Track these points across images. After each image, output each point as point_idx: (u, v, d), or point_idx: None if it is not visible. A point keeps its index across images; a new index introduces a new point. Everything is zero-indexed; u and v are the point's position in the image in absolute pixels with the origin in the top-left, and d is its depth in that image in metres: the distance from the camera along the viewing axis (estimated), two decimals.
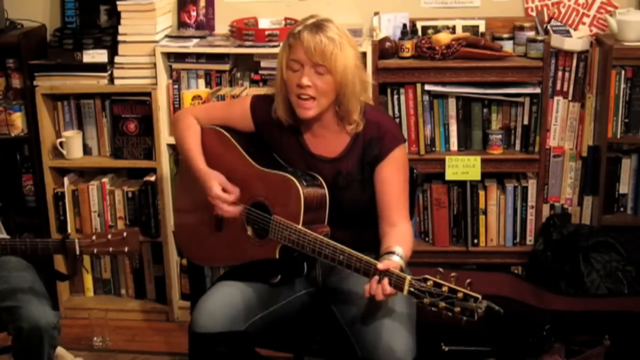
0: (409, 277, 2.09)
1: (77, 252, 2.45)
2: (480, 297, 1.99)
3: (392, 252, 2.22)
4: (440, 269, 2.07)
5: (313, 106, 2.34)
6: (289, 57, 2.34)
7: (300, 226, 2.29)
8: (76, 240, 2.45)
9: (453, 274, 2.05)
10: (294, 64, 2.33)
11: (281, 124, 2.46)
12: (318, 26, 2.32)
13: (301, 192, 2.30)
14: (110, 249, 2.46)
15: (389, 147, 2.39)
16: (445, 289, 2.03)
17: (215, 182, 2.43)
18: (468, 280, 2.03)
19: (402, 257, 2.22)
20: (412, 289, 2.07)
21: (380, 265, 2.14)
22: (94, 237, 2.47)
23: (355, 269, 2.19)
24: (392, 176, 2.39)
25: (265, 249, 2.38)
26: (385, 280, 2.11)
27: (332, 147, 2.44)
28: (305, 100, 2.33)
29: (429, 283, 2.05)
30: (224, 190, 2.43)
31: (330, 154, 2.44)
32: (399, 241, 2.28)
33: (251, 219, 2.43)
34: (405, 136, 3.29)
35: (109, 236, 2.47)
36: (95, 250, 2.46)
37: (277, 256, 2.35)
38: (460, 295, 2.01)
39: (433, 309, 2.04)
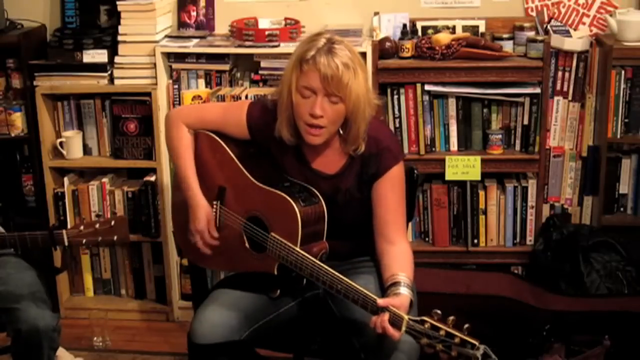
0: (406, 317, 2.07)
1: (66, 243, 2.43)
2: (477, 343, 1.98)
3: (398, 283, 2.20)
4: (438, 311, 2.04)
5: (322, 133, 2.27)
6: (300, 83, 2.24)
7: (298, 248, 2.25)
8: (64, 231, 2.43)
9: (451, 317, 2.02)
10: (305, 90, 2.24)
11: (281, 137, 2.38)
12: (330, 50, 2.21)
13: (298, 213, 2.26)
14: (99, 238, 2.44)
15: (387, 165, 2.35)
16: (442, 332, 2.01)
17: (204, 219, 2.42)
18: (466, 325, 2.01)
19: (409, 286, 2.21)
20: (409, 329, 2.06)
21: (381, 302, 2.12)
22: (81, 227, 2.44)
23: (353, 300, 2.17)
24: (389, 194, 2.35)
25: (264, 264, 2.35)
26: (386, 317, 2.09)
27: (331, 163, 2.39)
28: (315, 128, 2.26)
29: (426, 325, 2.03)
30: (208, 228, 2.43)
31: (329, 170, 2.39)
32: (402, 264, 2.27)
33: (248, 233, 2.40)
34: (405, 136, 3.30)
35: (97, 225, 2.45)
36: (84, 240, 2.44)
37: (275, 273, 2.34)
38: (457, 340, 1.99)
39: (430, 350, 2.03)
